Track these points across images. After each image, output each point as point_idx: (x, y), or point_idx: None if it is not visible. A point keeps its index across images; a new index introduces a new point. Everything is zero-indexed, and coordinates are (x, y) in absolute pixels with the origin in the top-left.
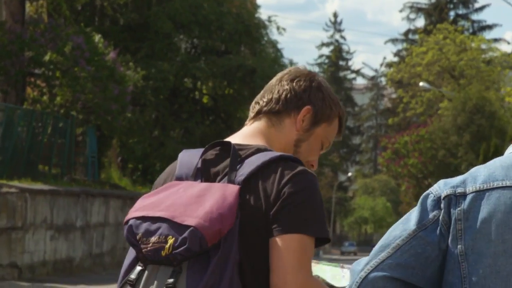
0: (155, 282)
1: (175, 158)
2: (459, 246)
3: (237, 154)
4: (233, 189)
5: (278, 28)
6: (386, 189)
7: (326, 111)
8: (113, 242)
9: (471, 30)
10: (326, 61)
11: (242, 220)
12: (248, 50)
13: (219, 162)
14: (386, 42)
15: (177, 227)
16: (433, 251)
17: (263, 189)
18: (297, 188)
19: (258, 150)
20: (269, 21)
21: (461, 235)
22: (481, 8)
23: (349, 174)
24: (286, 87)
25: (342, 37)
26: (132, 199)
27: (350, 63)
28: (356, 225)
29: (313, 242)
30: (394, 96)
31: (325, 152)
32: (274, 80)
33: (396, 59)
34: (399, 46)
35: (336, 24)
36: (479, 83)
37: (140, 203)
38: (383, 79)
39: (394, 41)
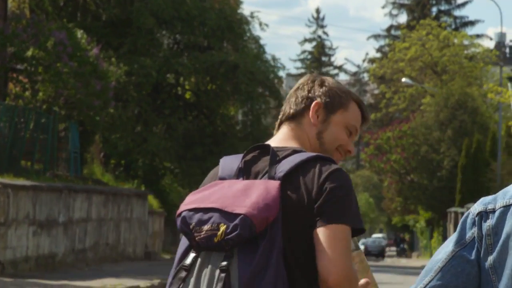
0: (209, 266)
1: (157, 153)
2: (489, 260)
3: (276, 154)
4: (275, 183)
5: (260, 24)
6: (369, 184)
7: (336, 99)
8: (95, 237)
9: (453, 26)
10: (309, 57)
11: (284, 211)
12: (230, 46)
13: (258, 163)
14: (368, 38)
15: (228, 216)
16: (472, 268)
17: (304, 184)
18: (337, 184)
19: (295, 151)
20: (252, 16)
21: (491, 249)
22: (463, 4)
23: None
24: (294, 95)
25: (325, 33)
26: (114, 195)
27: (332, 59)
28: None
29: (350, 232)
30: (376, 92)
31: None
32: (287, 96)
33: (378, 55)
34: (382, 42)
35: (318, 20)
36: (461, 79)
37: (189, 198)
38: (365, 75)
39: (376, 37)
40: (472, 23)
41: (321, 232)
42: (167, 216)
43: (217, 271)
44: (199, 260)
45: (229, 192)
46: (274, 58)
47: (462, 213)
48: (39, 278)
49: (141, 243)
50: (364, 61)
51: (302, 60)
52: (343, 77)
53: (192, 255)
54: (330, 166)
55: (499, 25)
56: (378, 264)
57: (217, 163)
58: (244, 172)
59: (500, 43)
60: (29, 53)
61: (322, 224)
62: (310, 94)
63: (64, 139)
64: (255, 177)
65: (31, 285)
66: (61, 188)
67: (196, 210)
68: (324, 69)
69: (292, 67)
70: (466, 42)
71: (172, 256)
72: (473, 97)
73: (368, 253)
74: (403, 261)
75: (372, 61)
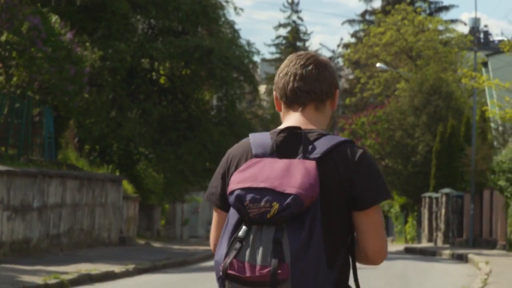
0: (263, 238)
1: (132, 138)
2: None
3: (308, 137)
4: (311, 164)
5: (235, 8)
6: None
7: (338, 86)
8: (70, 223)
9: (428, 11)
10: (283, 42)
11: (321, 190)
12: (205, 31)
13: (290, 143)
14: (343, 23)
15: (280, 195)
16: None
17: (337, 165)
18: (368, 163)
19: (321, 134)
20: (226, 1)
21: None
22: None
23: None
24: (324, 78)
25: (299, 18)
26: (89, 180)
27: (307, 44)
28: None
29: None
30: (351, 77)
31: None
32: (313, 70)
33: (353, 40)
34: (356, 27)
35: (293, 5)
36: (436, 64)
37: (238, 177)
38: (340, 60)
39: (351, 22)
40: (446, 8)
41: (364, 216)
42: (142, 201)
43: (271, 243)
44: (252, 232)
45: (273, 171)
46: (249, 43)
47: (437, 198)
48: (14, 263)
49: (115, 228)
50: (338, 46)
51: (276, 45)
52: None
53: (244, 228)
54: (358, 149)
55: (473, 11)
56: None
57: (191, 149)
58: (278, 152)
59: (474, 28)
60: (3, 37)
61: (362, 207)
62: (334, 81)
63: (39, 124)
64: (289, 157)
65: (5, 270)
66: (35, 173)
67: (249, 189)
68: None
69: (267, 52)
70: (440, 28)
71: (147, 241)
72: (447, 82)
73: None
74: None
75: (346, 46)
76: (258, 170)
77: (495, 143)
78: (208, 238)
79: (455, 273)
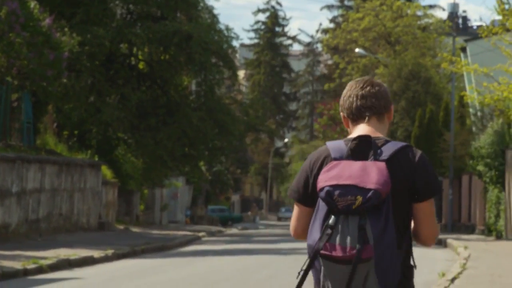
0: (349, 225)
1: (111, 124)
2: None
3: (376, 143)
4: (382, 164)
5: None
6: None
7: (391, 102)
8: (49, 208)
9: None
10: (262, 27)
11: (391, 184)
12: (184, 16)
13: (361, 148)
14: (322, 9)
15: (362, 190)
16: None
17: (401, 166)
18: (426, 165)
19: (386, 140)
20: None
21: None
22: None
23: (286, 140)
24: (381, 95)
25: (278, 3)
26: (68, 165)
27: (286, 29)
28: None
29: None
30: (330, 62)
31: (262, 118)
32: (370, 90)
33: (332, 25)
34: (335, 13)
35: None
36: (414, 49)
37: (324, 177)
38: (319, 45)
39: (330, 7)
40: None
41: (422, 207)
42: (121, 187)
43: (356, 229)
44: (340, 221)
45: (352, 171)
46: (227, 28)
47: None
48: None
49: (94, 214)
50: (317, 31)
51: (255, 31)
52: (296, 48)
53: (333, 218)
54: (417, 151)
55: None
56: None
57: (170, 134)
58: (352, 155)
59: (453, 14)
60: None
61: (421, 199)
62: (389, 99)
63: (17, 109)
64: (362, 159)
65: None
66: (14, 159)
67: (336, 186)
68: (277, 40)
69: (246, 38)
70: (419, 13)
71: (126, 226)
72: (426, 67)
73: None
74: None
75: (325, 31)
76: (340, 170)
77: (473, 128)
78: (186, 223)
79: (434, 258)
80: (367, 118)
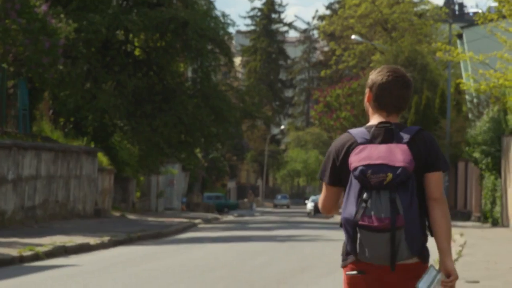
0: (382, 199)
1: (107, 110)
2: None
3: (397, 129)
4: (404, 146)
5: None
6: (319, 142)
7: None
8: (45, 195)
9: None
10: (259, 14)
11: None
12: (180, 3)
13: (383, 133)
14: None
15: (392, 168)
16: None
17: (418, 146)
18: (436, 144)
19: (403, 126)
20: None
21: None
22: None
23: (282, 127)
24: (404, 94)
25: None
26: (64, 152)
27: (282, 16)
28: (289, 178)
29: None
30: (326, 49)
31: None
32: (406, 93)
33: (328, 12)
34: None
35: None
36: (411, 36)
37: (356, 158)
38: (315, 32)
39: None
40: None
41: (433, 176)
42: (117, 174)
43: (388, 202)
44: (372, 196)
45: (380, 152)
46: (224, 15)
47: None
48: None
49: (91, 201)
50: (314, 18)
51: (252, 17)
52: (293, 34)
53: (366, 193)
54: (428, 133)
55: None
56: (328, 221)
57: (167, 121)
58: (376, 139)
59: (449, 1)
60: None
61: (433, 170)
62: (410, 96)
63: (13, 96)
64: (385, 143)
65: None
66: (10, 145)
67: (368, 165)
68: (274, 26)
69: (242, 24)
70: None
71: (122, 213)
72: (422, 54)
73: (317, 210)
74: None
75: (322, 18)
76: (369, 152)
77: (469, 115)
78: (182, 210)
79: (429, 245)
80: (392, 112)
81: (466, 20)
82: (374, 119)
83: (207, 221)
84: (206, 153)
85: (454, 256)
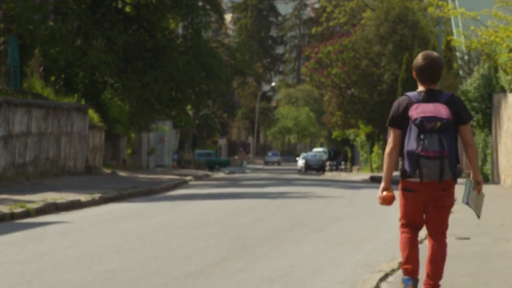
0: (433, 139)
1: (97, 67)
2: None
3: (438, 94)
4: (444, 105)
5: None
6: (310, 98)
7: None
8: (36, 152)
9: None
10: None
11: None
12: None
13: (429, 96)
14: None
15: (439, 119)
16: None
17: (453, 105)
18: (463, 104)
19: (442, 92)
20: None
21: None
22: None
23: (273, 84)
24: (438, 70)
25: None
26: (55, 109)
27: None
28: (280, 135)
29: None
30: (317, 5)
31: (249, 62)
32: (439, 72)
33: None
34: None
35: None
36: None
37: (415, 112)
38: None
39: None
40: None
41: (465, 127)
42: (108, 131)
43: (437, 140)
44: (427, 136)
45: (430, 108)
46: None
47: None
48: None
49: (81, 157)
50: None
51: None
52: None
53: (422, 134)
54: (457, 97)
55: None
56: (319, 178)
57: (157, 77)
58: (426, 100)
59: None
60: None
61: (464, 123)
62: (443, 69)
63: (3, 53)
64: (431, 102)
65: None
66: (0, 102)
67: (424, 117)
68: None
69: None
70: None
71: (113, 170)
72: (413, 11)
73: (308, 167)
74: (343, 175)
75: None
76: (423, 108)
77: (460, 72)
78: (173, 167)
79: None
80: (431, 83)
81: None
82: (421, 87)
83: (198, 178)
84: (197, 110)
85: None
